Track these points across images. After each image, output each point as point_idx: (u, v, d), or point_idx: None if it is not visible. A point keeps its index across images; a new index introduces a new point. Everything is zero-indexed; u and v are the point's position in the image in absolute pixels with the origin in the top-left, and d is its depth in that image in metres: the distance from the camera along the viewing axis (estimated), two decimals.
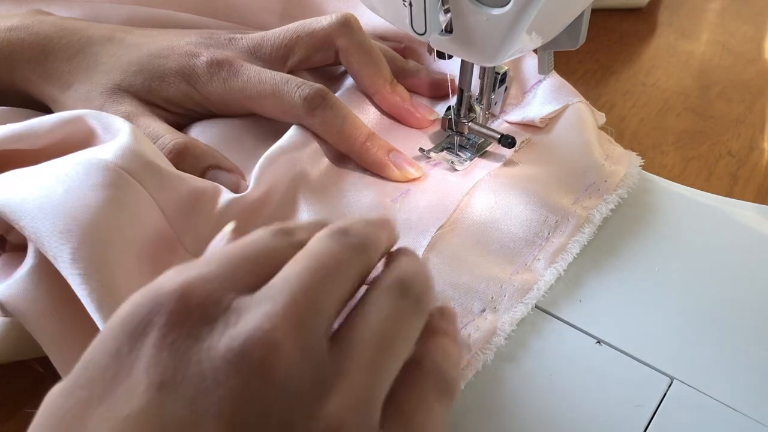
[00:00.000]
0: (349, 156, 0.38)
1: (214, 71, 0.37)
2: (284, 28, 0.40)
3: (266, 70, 0.37)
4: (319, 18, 0.40)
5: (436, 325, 0.25)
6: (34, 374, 0.33)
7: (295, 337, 0.19)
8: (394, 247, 0.26)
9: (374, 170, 0.37)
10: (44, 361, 0.33)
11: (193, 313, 0.19)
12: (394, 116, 0.41)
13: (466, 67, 0.38)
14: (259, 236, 0.23)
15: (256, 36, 0.40)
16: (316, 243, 0.23)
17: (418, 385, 0.22)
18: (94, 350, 0.19)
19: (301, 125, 0.37)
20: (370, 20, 0.42)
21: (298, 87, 0.36)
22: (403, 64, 0.43)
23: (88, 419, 0.17)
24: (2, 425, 0.32)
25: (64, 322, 0.28)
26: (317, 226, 0.25)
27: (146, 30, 0.40)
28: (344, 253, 0.22)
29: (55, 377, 0.33)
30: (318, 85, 0.37)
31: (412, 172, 0.37)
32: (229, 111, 0.38)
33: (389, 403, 0.21)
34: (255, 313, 0.19)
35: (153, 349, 0.18)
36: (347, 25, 0.39)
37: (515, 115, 0.43)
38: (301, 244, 0.23)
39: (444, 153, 0.40)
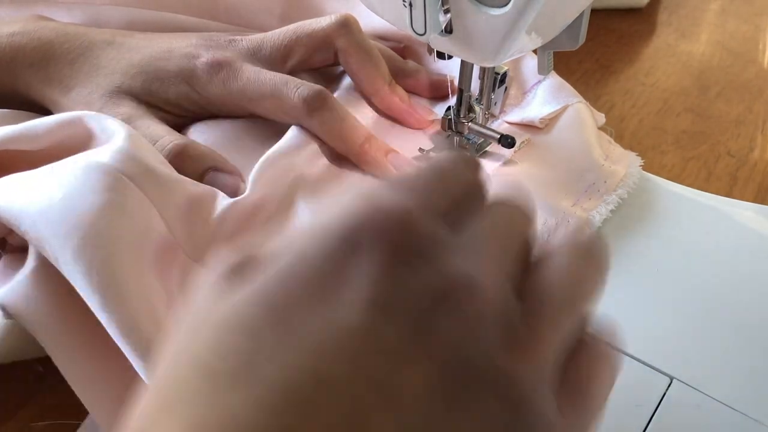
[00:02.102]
0: (348, 157, 0.38)
1: (213, 72, 0.37)
2: (284, 29, 0.40)
3: (266, 70, 0.37)
4: (319, 19, 0.40)
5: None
6: (34, 374, 0.33)
7: (495, 282, 0.19)
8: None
9: (373, 172, 0.37)
10: (45, 361, 0.33)
11: (414, 244, 0.18)
12: (393, 117, 0.41)
13: (466, 68, 0.38)
14: (445, 159, 0.22)
15: (255, 37, 0.40)
16: (508, 209, 0.22)
17: (591, 353, 0.21)
18: (307, 245, 0.18)
19: (300, 126, 0.37)
20: (369, 20, 0.42)
21: (298, 88, 0.36)
22: (402, 65, 0.43)
23: (303, 316, 0.17)
24: (2, 425, 0.32)
25: (66, 324, 0.28)
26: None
27: (147, 33, 0.41)
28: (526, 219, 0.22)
29: (57, 377, 0.33)
30: (317, 87, 0.37)
31: None
32: (229, 112, 0.38)
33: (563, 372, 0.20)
34: (465, 254, 0.19)
35: (376, 268, 0.17)
36: (346, 25, 0.39)
37: (515, 115, 0.43)
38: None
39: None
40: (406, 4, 0.32)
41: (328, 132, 0.37)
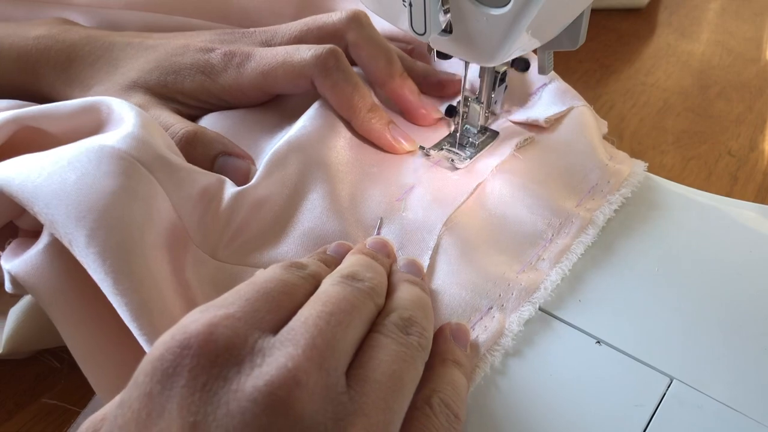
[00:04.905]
0: (350, 122, 0.38)
1: (228, 60, 0.38)
2: (296, 22, 0.41)
3: (278, 47, 0.38)
4: (330, 14, 0.41)
5: (446, 351, 0.28)
6: (34, 374, 0.33)
7: (317, 376, 0.20)
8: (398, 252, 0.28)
9: (371, 139, 0.38)
10: (56, 354, 0.33)
11: (221, 355, 0.20)
12: (401, 108, 0.41)
13: (466, 67, 0.38)
14: (273, 272, 0.25)
15: (268, 29, 0.41)
16: (330, 287, 0.25)
17: (428, 425, 0.24)
18: (129, 391, 0.20)
19: (314, 110, 0.37)
20: (377, 23, 0.42)
21: (310, 48, 0.37)
22: (411, 65, 0.44)
23: None
24: (3, 425, 0.32)
25: (79, 299, 0.29)
26: (322, 256, 0.29)
27: (164, 33, 0.42)
28: (356, 298, 0.24)
29: (58, 375, 0.33)
30: (330, 45, 0.37)
31: (406, 146, 0.38)
32: (244, 97, 0.39)
33: None
34: (279, 355, 0.20)
35: (184, 390, 0.19)
36: (356, 20, 0.40)
37: (520, 115, 0.43)
38: (313, 277, 0.26)
39: (444, 151, 0.40)
40: (406, 4, 0.32)
41: (338, 95, 0.37)
